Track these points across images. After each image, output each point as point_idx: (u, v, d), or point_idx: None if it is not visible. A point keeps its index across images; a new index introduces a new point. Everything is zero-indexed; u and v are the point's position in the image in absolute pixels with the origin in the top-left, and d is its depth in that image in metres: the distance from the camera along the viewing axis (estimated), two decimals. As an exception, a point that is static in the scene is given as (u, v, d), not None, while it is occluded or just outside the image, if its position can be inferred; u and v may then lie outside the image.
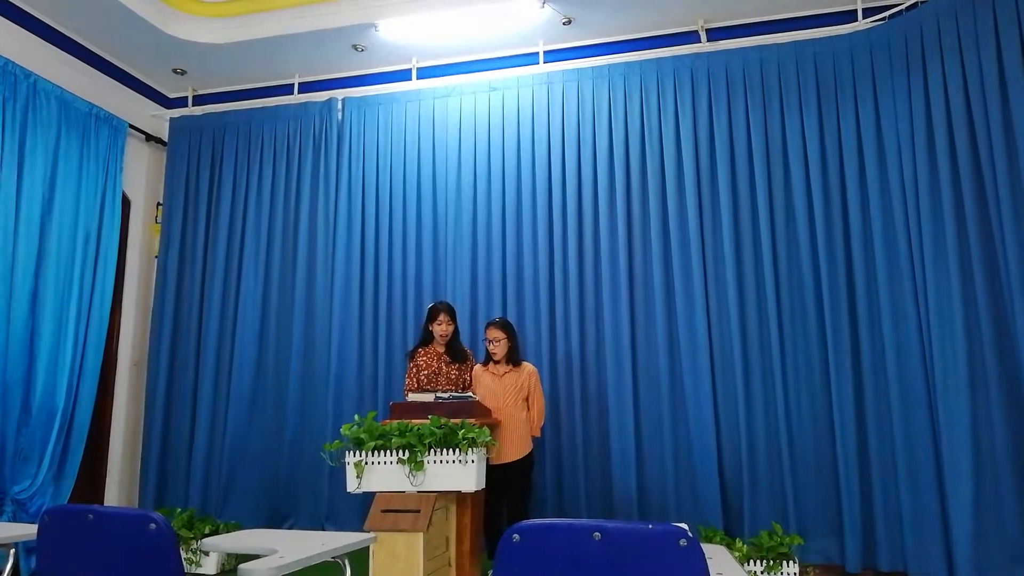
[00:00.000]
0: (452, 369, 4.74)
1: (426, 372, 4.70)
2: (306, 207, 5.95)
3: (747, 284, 5.01)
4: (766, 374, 4.88)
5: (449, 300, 5.12)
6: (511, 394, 4.55)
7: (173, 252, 6.12)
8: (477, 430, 3.72)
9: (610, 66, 5.49)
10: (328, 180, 5.94)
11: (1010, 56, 4.22)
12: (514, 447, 4.48)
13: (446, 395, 4.23)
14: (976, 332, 4.32)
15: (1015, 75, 4.19)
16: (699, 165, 5.20)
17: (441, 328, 4.71)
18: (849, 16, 5.15)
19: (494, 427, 4.26)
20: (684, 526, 1.49)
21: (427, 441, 3.69)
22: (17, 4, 5.07)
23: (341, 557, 2.34)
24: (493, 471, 4.27)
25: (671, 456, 4.94)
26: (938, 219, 4.51)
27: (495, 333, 4.63)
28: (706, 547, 1.80)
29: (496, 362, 4.64)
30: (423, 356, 4.74)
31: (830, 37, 5.10)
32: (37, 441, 4.88)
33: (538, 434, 4.66)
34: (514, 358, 4.67)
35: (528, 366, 4.70)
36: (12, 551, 2.86)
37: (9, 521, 4.55)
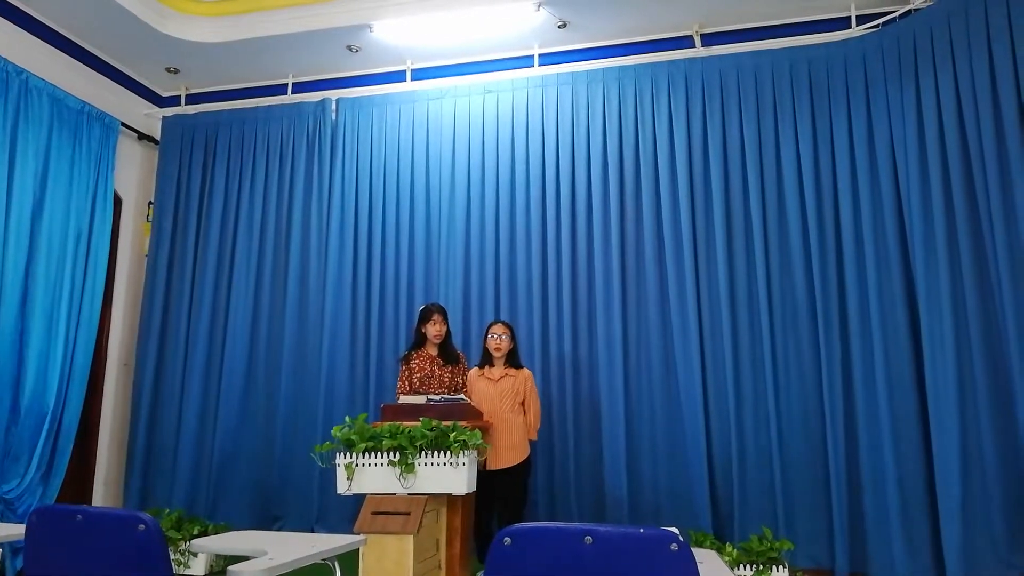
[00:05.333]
0: (445, 372, 4.73)
1: (419, 375, 4.69)
2: (299, 208, 5.94)
3: (739, 289, 5.02)
4: (757, 379, 4.90)
5: (441, 303, 5.11)
6: (508, 398, 4.54)
7: (163, 251, 6.09)
8: (468, 433, 3.71)
9: (605, 70, 5.50)
10: (321, 181, 5.93)
11: (1002, 64, 4.25)
12: (513, 451, 4.47)
13: (437, 397, 4.22)
14: (965, 339, 4.34)
15: (1007, 83, 4.22)
16: (692, 169, 5.21)
17: (435, 328, 4.70)
18: (843, 23, 5.18)
19: (485, 430, 4.26)
20: (675, 530, 1.50)
21: (418, 443, 3.69)
22: (9, 0, 5.04)
23: (331, 559, 2.34)
24: (492, 475, 4.27)
25: (662, 460, 4.95)
26: (929, 226, 4.53)
27: (501, 328, 4.66)
28: (696, 551, 1.81)
29: (493, 365, 4.63)
30: (416, 359, 4.74)
31: (824, 44, 5.12)
32: (26, 440, 4.84)
33: (535, 437, 4.66)
34: (514, 360, 4.67)
35: (525, 370, 4.70)
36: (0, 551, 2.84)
37: (-3, 521, 4.53)
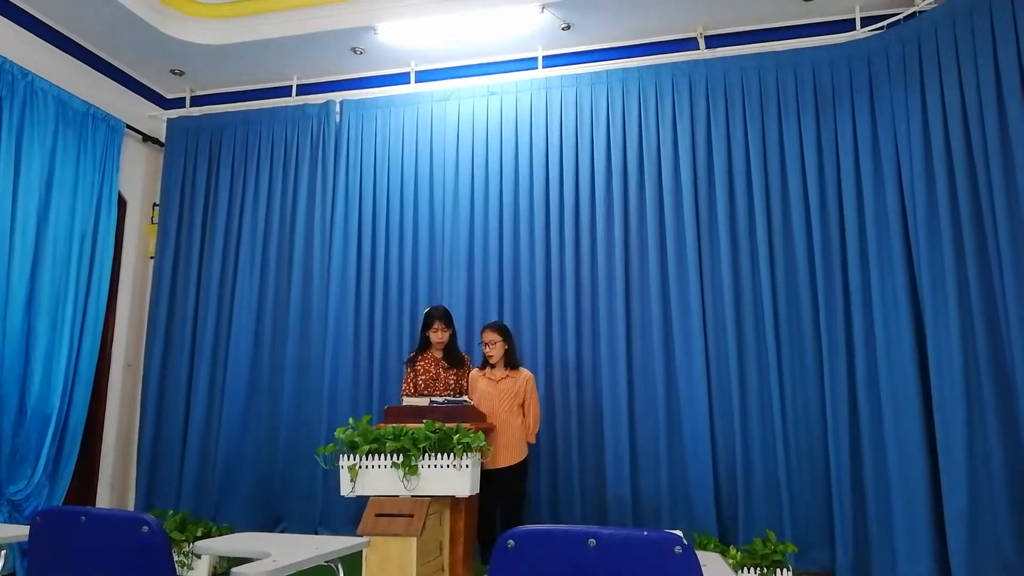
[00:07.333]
0: (450, 375, 4.74)
1: (424, 377, 4.69)
2: (303, 209, 5.94)
3: (743, 291, 5.01)
4: (762, 381, 4.89)
5: (446, 305, 5.11)
6: (507, 399, 4.54)
7: (168, 253, 6.10)
8: (472, 435, 3.72)
9: (609, 72, 5.50)
10: (325, 183, 5.94)
11: (1007, 67, 4.24)
12: (509, 452, 4.47)
13: (441, 399, 4.22)
14: (971, 343, 4.32)
15: (1012, 86, 4.21)
16: (696, 171, 5.21)
17: (437, 336, 4.70)
18: (847, 25, 5.17)
19: (489, 432, 4.25)
20: (679, 533, 1.49)
21: (421, 445, 3.69)
22: (15, 2, 5.06)
23: (334, 561, 2.34)
24: (488, 476, 4.27)
25: (666, 462, 4.93)
26: (934, 228, 4.52)
27: (490, 336, 4.63)
28: (700, 554, 1.80)
29: (492, 366, 4.63)
30: (421, 362, 4.74)
31: (828, 46, 5.11)
32: (33, 442, 4.85)
33: (533, 440, 4.65)
34: (511, 362, 4.66)
35: (525, 372, 4.70)
36: (3, 552, 2.85)
37: (4, 522, 4.53)
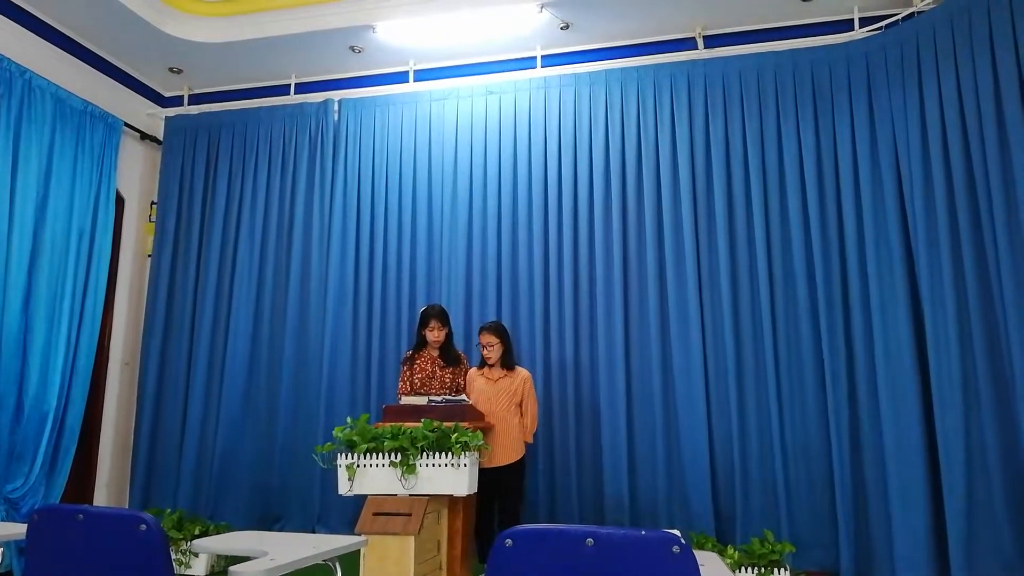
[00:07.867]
0: (446, 373, 4.74)
1: (420, 376, 4.70)
2: (301, 208, 5.94)
3: (742, 291, 5.02)
4: (759, 380, 4.89)
5: (443, 304, 5.11)
6: (504, 398, 4.54)
7: (166, 251, 6.09)
8: (470, 434, 3.72)
9: (607, 71, 5.50)
10: (323, 181, 5.93)
11: (1005, 67, 4.24)
12: (506, 451, 4.47)
13: (439, 398, 4.22)
14: (969, 343, 4.32)
15: (1009, 85, 4.21)
16: (695, 171, 5.21)
17: (433, 334, 4.71)
18: (846, 25, 5.17)
19: (487, 431, 4.26)
20: (677, 533, 1.49)
21: (419, 444, 3.70)
22: (13, 0, 5.05)
23: (332, 560, 2.33)
24: (485, 474, 4.28)
25: (663, 462, 4.94)
26: (932, 228, 4.52)
27: (488, 338, 4.64)
28: (698, 554, 1.80)
29: (491, 366, 4.64)
30: (418, 360, 4.74)
31: (827, 46, 5.12)
32: (30, 440, 4.84)
33: (531, 440, 4.65)
34: (508, 362, 4.66)
35: (522, 371, 4.70)
36: (0, 550, 2.85)
37: (2, 520, 4.53)
